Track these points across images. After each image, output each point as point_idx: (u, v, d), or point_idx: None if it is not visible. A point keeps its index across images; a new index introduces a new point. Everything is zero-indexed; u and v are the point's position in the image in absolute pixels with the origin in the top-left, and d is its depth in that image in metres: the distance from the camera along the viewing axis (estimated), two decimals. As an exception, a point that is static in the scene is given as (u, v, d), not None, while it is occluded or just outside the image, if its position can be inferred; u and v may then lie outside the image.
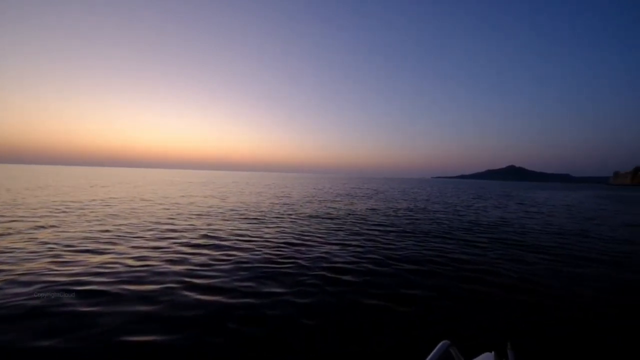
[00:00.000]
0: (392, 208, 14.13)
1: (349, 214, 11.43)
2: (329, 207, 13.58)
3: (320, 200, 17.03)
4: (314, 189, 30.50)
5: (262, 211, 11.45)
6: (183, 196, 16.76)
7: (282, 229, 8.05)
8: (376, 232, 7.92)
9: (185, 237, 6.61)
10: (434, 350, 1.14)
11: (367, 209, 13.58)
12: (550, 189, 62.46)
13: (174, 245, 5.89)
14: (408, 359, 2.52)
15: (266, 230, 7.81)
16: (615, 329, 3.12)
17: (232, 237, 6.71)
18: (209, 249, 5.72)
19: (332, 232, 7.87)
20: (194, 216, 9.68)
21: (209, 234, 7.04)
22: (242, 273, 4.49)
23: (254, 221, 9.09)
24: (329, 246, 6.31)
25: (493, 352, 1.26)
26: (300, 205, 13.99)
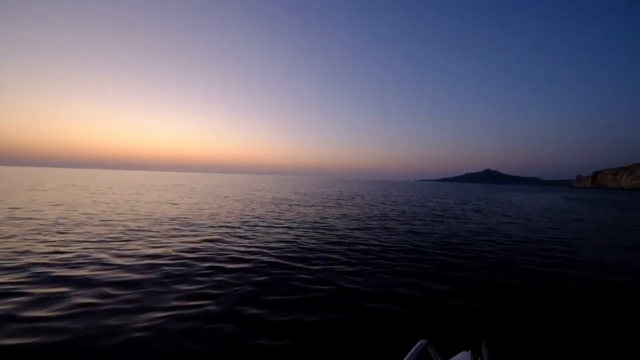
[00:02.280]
0: (367, 214, 12.70)
1: (315, 222, 9.81)
2: (297, 213, 11.90)
3: (290, 204, 15.31)
4: (292, 191, 28.71)
5: (210, 217, 9.52)
6: (128, 201, 14.33)
7: (216, 243, 6.24)
8: (338, 247, 6.34)
9: (44, 263, 4.61)
10: (412, 350, 1.12)
11: (339, 214, 12.05)
12: (524, 191, 64.93)
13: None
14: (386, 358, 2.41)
15: (191, 243, 5.97)
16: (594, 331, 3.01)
17: (128, 260, 4.82)
18: (65, 284, 3.81)
19: (283, 245, 6.19)
20: (108, 228, 7.59)
21: (108, 253, 5.09)
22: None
23: (184, 231, 7.19)
24: (265, 270, 4.62)
25: (470, 351, 1.30)
26: (266, 211, 12.18)
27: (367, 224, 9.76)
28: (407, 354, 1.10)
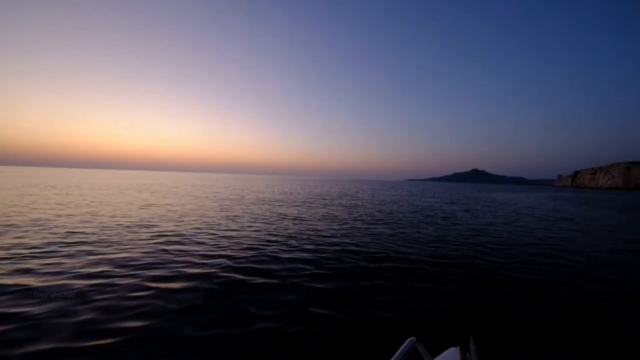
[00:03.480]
0: (352, 215, 11.95)
1: (294, 224, 8.94)
2: (276, 214, 10.98)
3: (272, 204, 14.35)
4: (279, 190, 27.70)
5: (175, 220, 8.47)
6: (92, 202, 12.98)
7: (167, 252, 5.27)
8: (312, 255, 5.49)
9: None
10: (401, 348, 1.13)
11: (322, 215, 11.23)
12: (510, 190, 66.37)
13: None
14: (375, 356, 2.39)
15: (136, 252, 4.97)
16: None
17: (37, 279, 3.79)
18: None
19: (248, 254, 5.29)
20: None
21: None
22: None
23: (134, 237, 6.16)
24: (214, 288, 3.71)
25: (458, 347, 1.31)
26: (242, 213, 11.20)
27: (351, 226, 8.97)
28: (396, 352, 1.10)
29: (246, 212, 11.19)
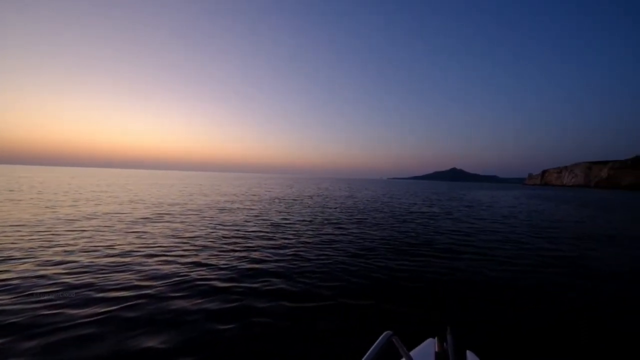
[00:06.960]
0: (312, 224, 9.68)
1: (219, 243, 6.49)
2: (216, 222, 8.43)
3: (222, 209, 11.73)
4: (247, 190, 24.94)
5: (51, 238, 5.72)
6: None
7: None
8: (184, 315, 3.11)
9: None
10: (377, 341, 1.10)
11: (272, 223, 8.81)
12: (486, 189, 67.65)
13: None
14: (352, 350, 2.37)
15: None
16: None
17: None
18: None
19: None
20: None
21: None
22: None
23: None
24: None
25: (435, 338, 1.30)
26: (172, 216, 8.51)
27: (300, 244, 6.63)
28: (372, 346, 1.07)
29: (179, 221, 8.53)
